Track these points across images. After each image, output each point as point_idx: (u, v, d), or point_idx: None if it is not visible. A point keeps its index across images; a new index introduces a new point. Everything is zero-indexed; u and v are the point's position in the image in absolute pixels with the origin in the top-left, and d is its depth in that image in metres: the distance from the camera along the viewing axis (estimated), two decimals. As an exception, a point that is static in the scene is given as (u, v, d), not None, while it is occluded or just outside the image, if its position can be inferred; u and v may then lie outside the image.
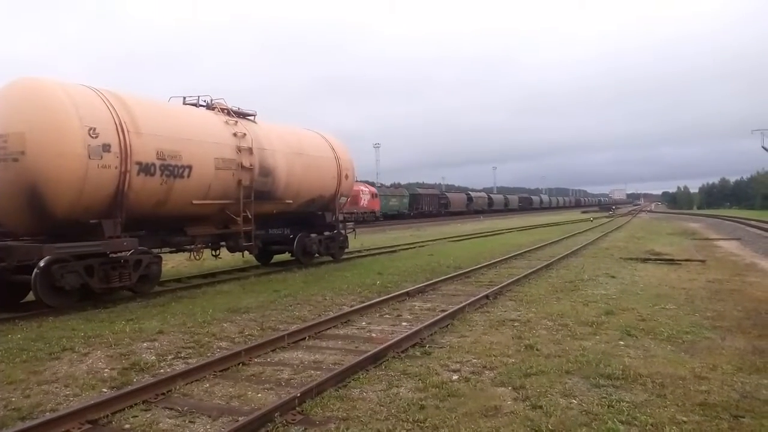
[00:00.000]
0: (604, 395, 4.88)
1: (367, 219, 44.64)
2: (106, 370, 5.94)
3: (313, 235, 15.73)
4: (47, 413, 4.68)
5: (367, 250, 20.35)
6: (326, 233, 16.35)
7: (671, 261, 15.30)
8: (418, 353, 6.34)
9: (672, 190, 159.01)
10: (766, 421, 4.30)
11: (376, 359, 5.92)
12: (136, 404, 4.82)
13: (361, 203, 44.52)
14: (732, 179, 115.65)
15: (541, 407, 4.62)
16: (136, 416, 4.64)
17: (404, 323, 8.01)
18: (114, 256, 9.92)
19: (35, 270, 9.01)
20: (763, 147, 40.53)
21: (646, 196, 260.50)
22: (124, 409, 4.71)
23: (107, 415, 4.58)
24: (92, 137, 9.08)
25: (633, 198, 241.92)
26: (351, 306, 9.22)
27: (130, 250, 10.12)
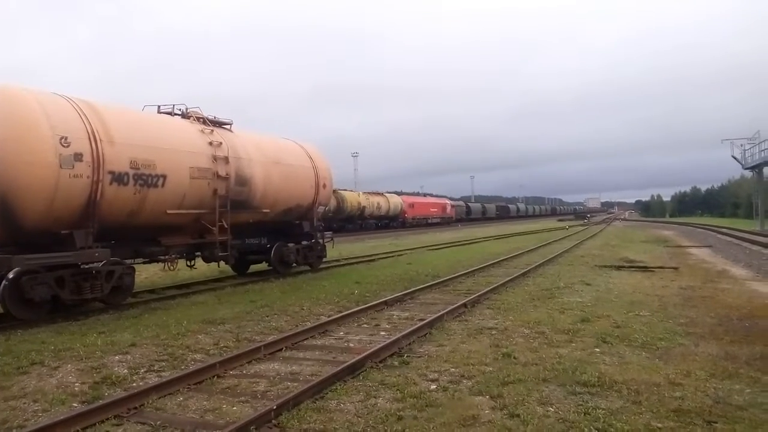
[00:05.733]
0: (581, 403, 4.91)
1: (450, 222, 67.89)
2: (77, 384, 5.80)
3: (290, 245, 15.62)
4: (14, 430, 4.55)
5: (346, 259, 20.28)
6: (304, 242, 16.26)
7: (645, 268, 15.54)
8: (396, 363, 6.31)
9: (645, 198, 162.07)
10: (739, 426, 4.37)
11: (353, 370, 5.88)
12: (107, 419, 4.71)
13: (447, 211, 69.28)
14: (703, 188, 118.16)
15: (518, 416, 4.63)
16: (108, 431, 4.53)
17: (382, 333, 7.98)
18: (85, 267, 9.72)
19: (4, 282, 8.79)
20: (733, 156, 41.51)
21: (620, 204, 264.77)
22: (95, 424, 4.60)
23: (78, 431, 4.45)
24: (64, 146, 8.91)
25: (607, 206, 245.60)
26: (329, 316, 9.16)
27: (102, 261, 9.93)
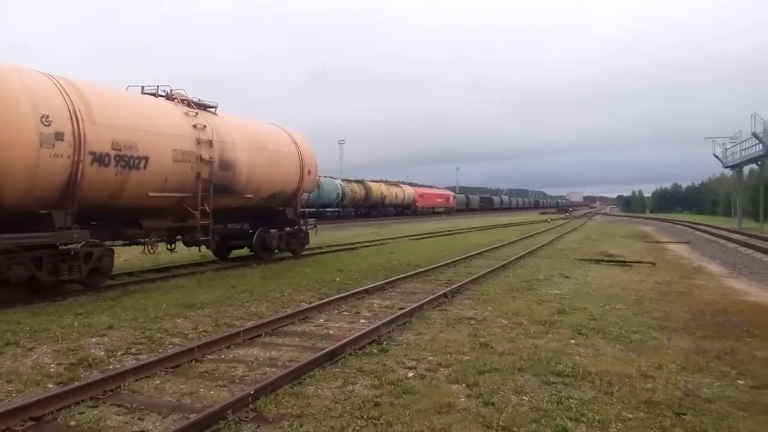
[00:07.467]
0: (554, 392, 5.00)
1: (451, 212, 74.77)
2: (53, 365, 5.76)
3: (273, 231, 15.57)
4: (-12, 410, 4.51)
5: (328, 246, 20.27)
6: (287, 229, 16.21)
7: (623, 263, 15.75)
8: (375, 351, 6.35)
9: (628, 193, 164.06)
10: (706, 419, 4.48)
11: (332, 356, 5.91)
12: (83, 401, 4.69)
13: (450, 202, 76.73)
14: (684, 185, 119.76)
15: (493, 404, 4.70)
16: (83, 413, 4.51)
17: (362, 320, 8.03)
18: (64, 248, 9.61)
19: (-21, 261, 8.66)
20: (714, 155, 42.12)
21: (601, 199, 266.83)
22: (70, 406, 4.57)
23: (52, 412, 4.43)
24: (45, 125, 8.77)
25: (589, 200, 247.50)
26: (309, 303, 9.17)
27: (80, 242, 9.82)
